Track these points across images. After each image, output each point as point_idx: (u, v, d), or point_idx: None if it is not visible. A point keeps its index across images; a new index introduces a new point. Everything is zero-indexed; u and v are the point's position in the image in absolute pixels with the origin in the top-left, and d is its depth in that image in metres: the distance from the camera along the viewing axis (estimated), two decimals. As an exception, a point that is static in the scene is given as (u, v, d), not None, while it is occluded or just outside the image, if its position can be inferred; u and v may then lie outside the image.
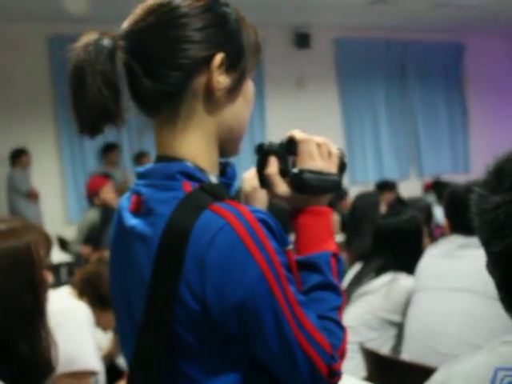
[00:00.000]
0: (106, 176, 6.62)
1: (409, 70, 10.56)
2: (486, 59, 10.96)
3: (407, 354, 2.58)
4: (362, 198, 4.00)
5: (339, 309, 1.15)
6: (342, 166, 1.26)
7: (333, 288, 1.15)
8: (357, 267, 3.15)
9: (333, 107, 10.04)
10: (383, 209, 3.86)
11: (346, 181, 8.68)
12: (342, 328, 1.13)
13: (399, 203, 3.11)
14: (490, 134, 10.88)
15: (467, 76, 11.08)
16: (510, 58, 11.32)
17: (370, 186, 7.39)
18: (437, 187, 7.42)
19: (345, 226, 4.25)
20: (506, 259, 0.97)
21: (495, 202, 0.98)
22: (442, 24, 9.80)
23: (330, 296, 1.14)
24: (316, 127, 7.85)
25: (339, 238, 4.20)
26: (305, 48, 9.55)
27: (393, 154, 10.41)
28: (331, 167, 1.23)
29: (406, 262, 2.85)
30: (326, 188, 1.22)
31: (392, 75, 10.45)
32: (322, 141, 1.24)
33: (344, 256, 3.68)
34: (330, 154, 1.24)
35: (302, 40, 9.51)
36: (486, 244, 1.01)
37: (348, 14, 8.97)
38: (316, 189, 1.20)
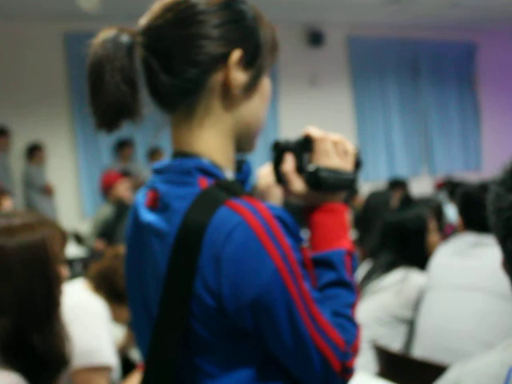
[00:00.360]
0: (123, 172, 6.66)
1: (422, 69, 10.54)
2: (499, 58, 10.94)
3: (419, 351, 2.58)
4: (374, 196, 4.03)
5: (353, 306, 1.15)
6: (358, 164, 1.27)
7: (347, 285, 1.15)
8: (368, 264, 3.17)
9: (346, 105, 10.02)
10: (394, 206, 3.87)
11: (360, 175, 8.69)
12: (355, 325, 1.13)
13: (407, 200, 3.14)
14: (502, 133, 10.87)
15: (480, 75, 11.04)
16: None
17: (382, 184, 7.37)
18: (449, 186, 7.40)
19: (357, 223, 4.27)
20: None
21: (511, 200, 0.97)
22: (456, 23, 9.77)
23: (344, 293, 1.14)
24: (329, 125, 7.90)
25: (352, 234, 4.21)
26: (318, 46, 9.54)
27: (405, 152, 10.40)
28: (347, 165, 1.23)
29: (413, 257, 2.89)
30: (341, 186, 1.22)
31: (405, 73, 10.43)
32: (338, 138, 1.24)
33: (357, 253, 3.68)
34: (345, 151, 1.24)
35: (316, 38, 9.49)
36: (503, 242, 1.00)
37: (361, 13, 8.95)
38: (332, 187, 1.20)
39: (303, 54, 9.58)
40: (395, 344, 2.76)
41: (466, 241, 2.60)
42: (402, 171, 9.88)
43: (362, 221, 3.91)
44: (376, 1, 8.26)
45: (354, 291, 1.16)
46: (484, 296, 2.42)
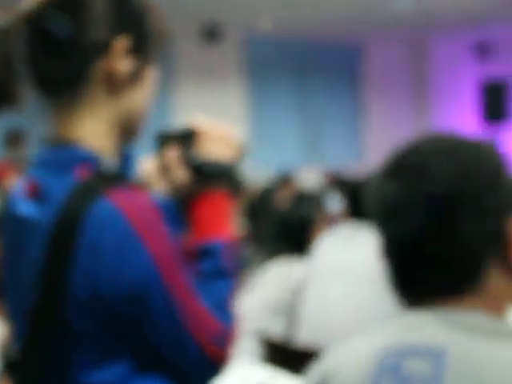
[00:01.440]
0: (12, 162, 6.45)
1: (314, 67, 10.94)
2: (384, 59, 11.51)
3: (303, 339, 2.64)
4: (265, 190, 4.16)
5: (231, 295, 1.15)
6: (242, 155, 1.28)
7: (226, 275, 1.14)
8: (256, 254, 3.26)
9: (241, 101, 10.13)
10: (283, 198, 4.00)
11: (251, 168, 8.77)
12: (232, 314, 1.13)
13: (298, 197, 3.31)
14: (384, 126, 11.45)
15: (366, 73, 11.56)
16: (406, 58, 11.92)
17: (272, 173, 7.49)
18: (338, 180, 7.60)
19: (248, 215, 4.34)
20: (402, 246, 0.99)
21: (392, 190, 1.00)
22: (345, 26, 10.13)
23: (223, 283, 1.14)
24: (224, 119, 7.80)
25: (241, 223, 4.27)
26: (215, 42, 9.58)
27: (295, 144, 10.77)
28: (231, 155, 1.22)
29: (297, 248, 3.02)
30: (224, 176, 1.22)
31: (298, 71, 10.75)
32: (222, 129, 1.23)
33: (244, 241, 3.78)
34: (230, 142, 1.23)
35: (213, 34, 9.53)
36: (382, 231, 1.02)
37: (259, 13, 9.08)
38: (215, 176, 1.20)
39: (200, 50, 9.57)
40: (279, 334, 2.82)
41: (348, 230, 2.72)
42: (292, 161, 10.14)
43: (252, 213, 4.01)
44: (272, 3, 8.38)
45: (232, 281, 1.16)
46: (363, 283, 2.52)
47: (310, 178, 9.04)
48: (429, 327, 0.96)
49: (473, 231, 0.95)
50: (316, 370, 1.06)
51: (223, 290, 1.14)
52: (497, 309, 0.98)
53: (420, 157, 1.00)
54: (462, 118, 11.40)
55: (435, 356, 0.92)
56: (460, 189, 0.96)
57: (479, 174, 0.98)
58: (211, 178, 1.20)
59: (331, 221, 3.50)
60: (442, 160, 0.98)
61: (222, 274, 1.14)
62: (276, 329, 2.81)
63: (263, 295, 2.88)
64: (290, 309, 2.84)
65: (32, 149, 8.01)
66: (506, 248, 0.97)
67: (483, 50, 11.06)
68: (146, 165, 1.33)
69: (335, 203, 5.07)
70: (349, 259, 2.62)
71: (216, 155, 1.21)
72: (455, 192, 0.96)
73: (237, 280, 1.17)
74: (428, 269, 0.98)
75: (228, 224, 1.19)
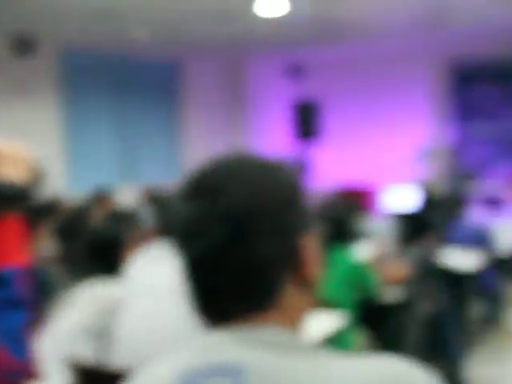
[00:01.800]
0: None
1: (131, 85, 10.92)
2: (201, 77, 11.74)
3: (117, 363, 2.60)
4: (79, 209, 4.07)
5: (27, 325, 1.10)
6: (38, 176, 1.23)
7: (20, 304, 1.10)
8: (69, 275, 3.17)
9: (54, 117, 9.81)
10: (98, 217, 3.93)
11: (65, 188, 8.52)
12: (29, 345, 1.08)
13: (111, 215, 3.28)
14: (202, 144, 11.69)
15: (184, 91, 11.73)
16: (223, 77, 12.22)
17: (89, 193, 7.33)
18: (152, 197, 7.64)
19: (60, 235, 4.22)
20: (200, 266, 1.00)
21: (191, 210, 1.00)
22: (163, 43, 10.21)
23: (17, 312, 1.09)
24: (36, 136, 7.61)
25: (51, 246, 4.14)
26: (27, 54, 9.20)
27: (112, 162, 10.65)
28: (26, 177, 1.19)
29: (110, 267, 2.98)
30: (18, 199, 1.17)
31: (116, 88, 10.66)
32: (14, 150, 1.18)
33: (56, 265, 3.68)
34: (25, 163, 1.19)
35: (25, 46, 9.15)
36: (182, 250, 1.03)
37: (77, 27, 8.88)
38: (7, 200, 1.15)
39: (10, 63, 9.13)
40: (92, 358, 2.75)
41: (158, 248, 2.73)
42: (108, 179, 10.00)
43: (67, 234, 3.90)
44: (88, 17, 8.22)
45: (28, 309, 1.10)
46: (174, 302, 2.53)
47: (126, 196, 8.96)
48: (229, 346, 0.96)
49: (268, 249, 0.98)
50: None
51: (17, 321, 1.08)
52: (294, 322, 1.01)
53: (218, 177, 1.02)
54: (276, 135, 11.86)
55: (235, 374, 0.93)
56: (255, 208, 0.98)
57: (274, 194, 1.00)
58: (3, 201, 1.14)
59: (146, 238, 3.50)
60: (238, 180, 1.00)
61: (15, 303, 1.09)
62: (87, 352, 2.73)
63: (74, 318, 2.79)
64: (103, 331, 2.78)
65: None
66: (300, 263, 1.00)
67: (295, 72, 11.58)
68: None
69: (151, 220, 5.08)
70: (159, 278, 2.62)
71: (9, 177, 1.15)
72: (251, 212, 0.98)
73: (34, 308, 1.11)
74: (226, 287, 0.99)
75: (22, 250, 1.13)
